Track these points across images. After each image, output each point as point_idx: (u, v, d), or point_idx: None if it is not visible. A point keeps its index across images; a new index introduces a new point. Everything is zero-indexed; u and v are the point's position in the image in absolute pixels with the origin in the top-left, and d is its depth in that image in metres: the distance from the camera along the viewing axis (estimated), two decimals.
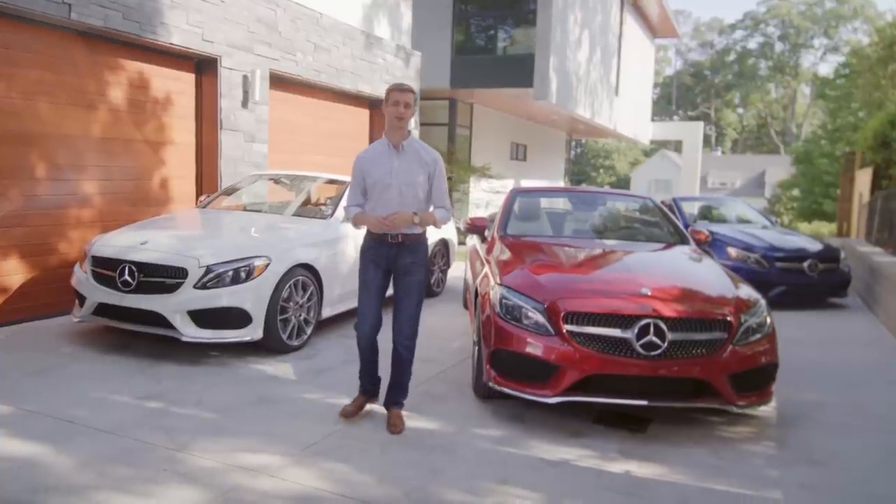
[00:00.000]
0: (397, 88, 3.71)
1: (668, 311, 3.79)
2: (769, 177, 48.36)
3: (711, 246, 8.46)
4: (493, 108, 17.15)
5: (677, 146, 36.54)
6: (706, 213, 10.61)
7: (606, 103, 18.36)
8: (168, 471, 3.17)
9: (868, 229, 12.73)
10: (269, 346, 5.07)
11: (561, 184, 24.47)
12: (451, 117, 15.60)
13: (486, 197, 16.09)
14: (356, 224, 3.88)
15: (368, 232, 3.83)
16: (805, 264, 8.16)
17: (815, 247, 8.56)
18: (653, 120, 27.26)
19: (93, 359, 4.85)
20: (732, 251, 8.37)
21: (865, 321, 7.63)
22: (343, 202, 5.29)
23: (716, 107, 61.19)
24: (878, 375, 5.34)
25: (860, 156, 15.52)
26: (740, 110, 62.81)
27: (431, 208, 3.88)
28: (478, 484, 3.20)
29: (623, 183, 53.93)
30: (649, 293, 3.90)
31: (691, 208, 10.60)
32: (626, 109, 20.67)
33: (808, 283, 8.16)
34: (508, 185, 18.36)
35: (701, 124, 27.99)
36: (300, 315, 5.28)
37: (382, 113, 3.77)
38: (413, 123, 11.46)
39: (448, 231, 8.06)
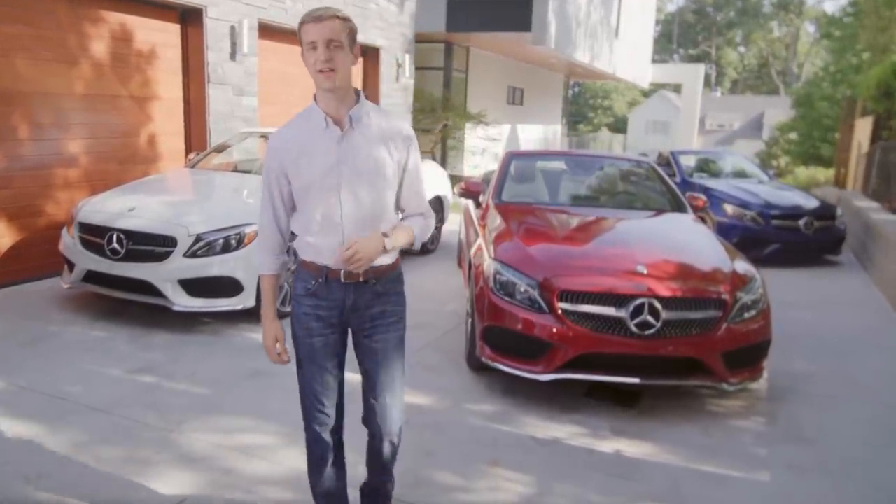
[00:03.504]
0: (310, 19, 2.09)
1: (664, 289, 3.76)
2: (768, 118, 47.78)
3: (708, 202, 8.41)
4: (489, 52, 16.73)
5: (676, 87, 35.96)
6: (703, 167, 10.50)
7: (606, 47, 17.93)
8: (162, 454, 3.18)
9: (865, 180, 12.66)
10: None
11: (559, 127, 24.17)
12: (447, 61, 15.24)
13: (481, 144, 15.87)
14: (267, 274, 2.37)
15: (302, 265, 2.31)
16: (801, 222, 8.12)
17: (810, 203, 8.51)
18: (653, 60, 26.71)
19: (84, 327, 4.83)
20: (729, 208, 8.32)
21: (858, 281, 7.65)
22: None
23: (717, 45, 59.94)
24: (869, 342, 5.37)
25: (861, 103, 15.28)
26: (742, 49, 61.59)
27: (399, 216, 2.39)
28: (469, 466, 3.23)
29: (621, 124, 53.30)
30: (645, 271, 3.86)
31: (689, 161, 10.48)
32: (625, 52, 20.22)
33: (803, 241, 8.15)
34: (505, 131, 18.11)
35: (702, 67, 27.51)
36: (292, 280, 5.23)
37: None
38: (407, 71, 11.13)
39: (442, 187, 7.96)
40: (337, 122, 2.21)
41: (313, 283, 2.28)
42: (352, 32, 2.16)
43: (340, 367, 2.41)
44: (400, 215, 2.40)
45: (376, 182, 2.23)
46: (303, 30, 2.12)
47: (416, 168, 2.36)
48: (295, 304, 2.35)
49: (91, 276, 4.93)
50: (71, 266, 5.08)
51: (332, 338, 2.34)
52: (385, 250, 2.22)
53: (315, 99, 2.24)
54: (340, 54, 2.10)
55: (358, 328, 2.35)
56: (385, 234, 2.23)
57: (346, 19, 2.14)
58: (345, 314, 2.31)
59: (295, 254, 2.37)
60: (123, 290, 4.86)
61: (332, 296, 2.29)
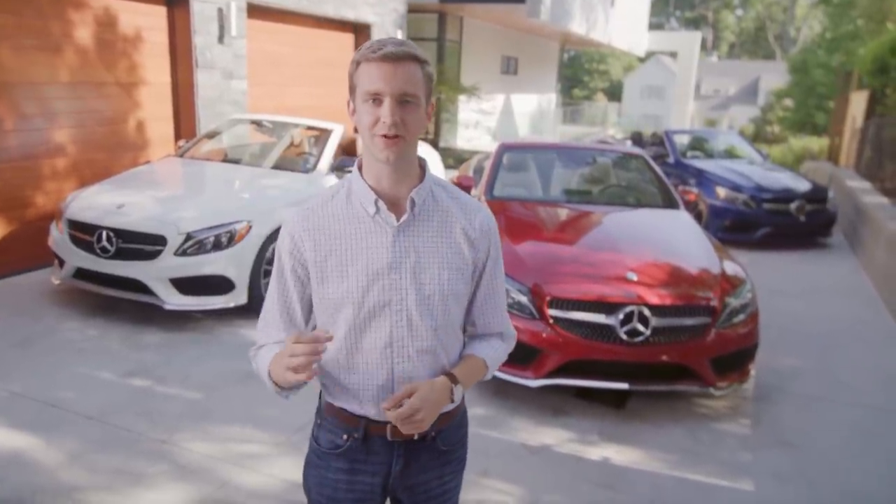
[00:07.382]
0: (378, 57, 1.39)
1: (653, 297, 3.79)
2: (764, 84, 47.50)
3: (700, 185, 8.43)
4: (483, 21, 16.47)
5: (672, 52, 35.61)
6: (697, 145, 10.47)
7: (602, 16, 17.69)
8: (155, 466, 3.21)
9: (858, 157, 12.64)
10: (255, 308, 5.05)
11: (553, 96, 23.95)
12: (441, 32, 15.00)
13: (474, 117, 15.74)
14: (277, 385, 1.53)
15: (328, 410, 1.63)
16: (792, 205, 8.15)
17: (802, 186, 8.53)
18: (650, 23, 26.36)
19: (76, 324, 4.83)
20: (721, 191, 8.33)
21: (847, 266, 7.70)
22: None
23: (714, 8, 59.13)
24: (855, 335, 5.44)
25: (857, 74, 15.17)
26: (739, 12, 60.81)
27: (463, 339, 1.70)
28: None
29: (616, 89, 52.87)
30: (635, 278, 3.88)
31: (683, 140, 10.45)
32: (621, 21, 19.94)
33: (794, 225, 8.19)
34: (498, 104, 17.94)
35: (698, 35, 27.23)
36: None
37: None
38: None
39: (434, 169, 7.90)
40: (391, 206, 1.49)
41: (345, 437, 1.59)
42: (430, 81, 1.46)
43: None
44: (465, 335, 1.70)
45: (446, 295, 1.53)
46: (363, 71, 1.41)
47: (498, 272, 1.66)
48: (314, 461, 1.65)
49: (81, 274, 4.91)
50: (61, 262, 5.06)
51: None
52: (452, 402, 1.55)
53: (359, 169, 1.52)
54: (415, 114, 1.42)
55: (407, 502, 1.67)
56: (454, 379, 1.55)
57: (425, 62, 1.45)
58: (390, 485, 1.62)
59: (319, 394, 1.67)
60: (115, 287, 4.85)
61: (372, 458, 1.60)
